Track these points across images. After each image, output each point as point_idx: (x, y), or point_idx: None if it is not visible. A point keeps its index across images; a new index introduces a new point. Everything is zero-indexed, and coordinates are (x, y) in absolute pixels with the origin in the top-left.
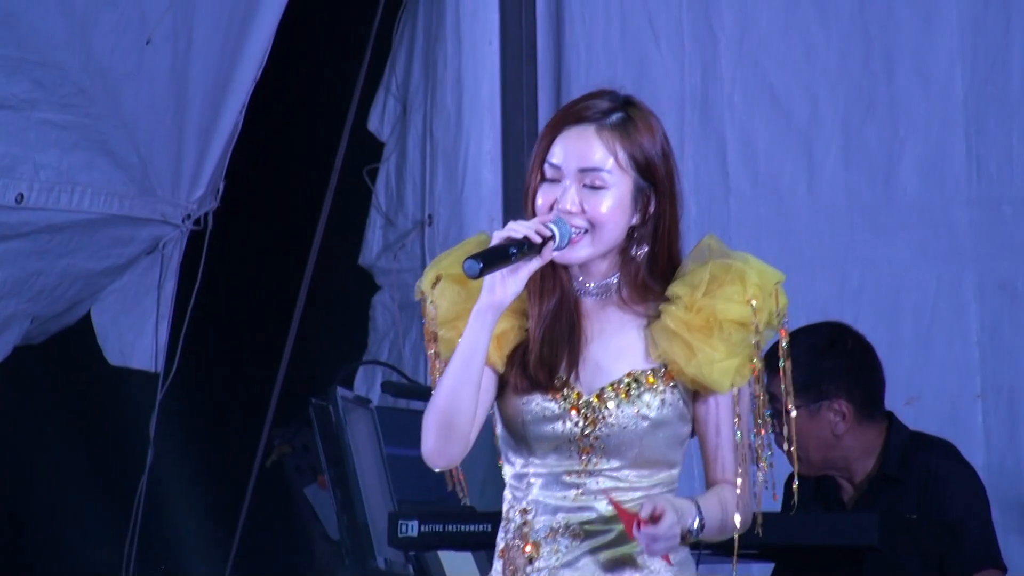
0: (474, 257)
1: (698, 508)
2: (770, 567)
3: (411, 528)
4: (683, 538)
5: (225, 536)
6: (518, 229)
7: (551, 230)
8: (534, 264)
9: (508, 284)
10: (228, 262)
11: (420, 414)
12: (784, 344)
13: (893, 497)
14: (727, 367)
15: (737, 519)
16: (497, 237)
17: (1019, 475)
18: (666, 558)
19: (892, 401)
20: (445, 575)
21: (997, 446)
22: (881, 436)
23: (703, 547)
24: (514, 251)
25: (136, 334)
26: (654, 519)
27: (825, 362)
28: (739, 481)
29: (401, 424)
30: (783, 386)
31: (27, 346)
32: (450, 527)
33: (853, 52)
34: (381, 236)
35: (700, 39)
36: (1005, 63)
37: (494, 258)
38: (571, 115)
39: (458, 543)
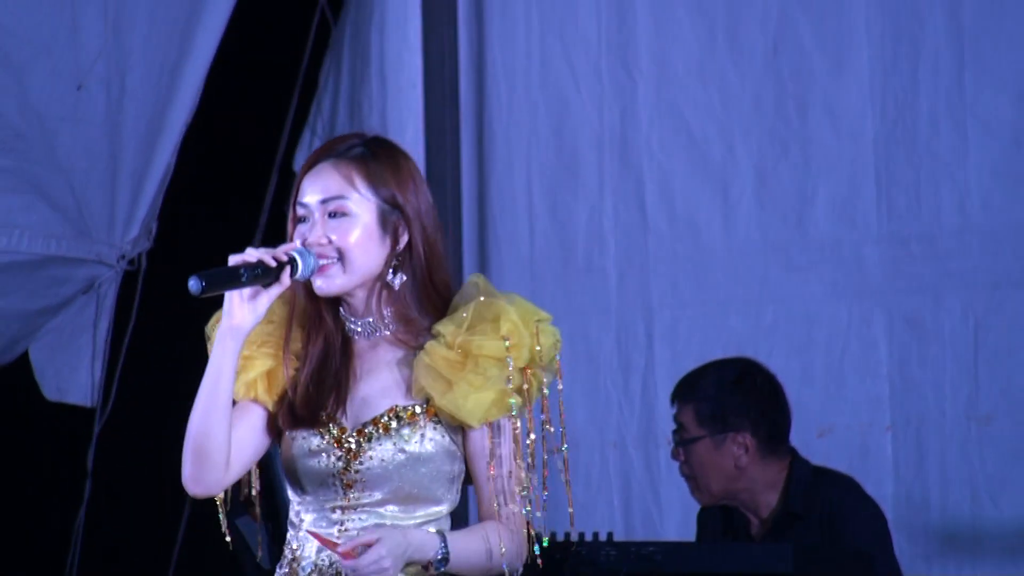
0: (199, 275)
1: (443, 540)
2: None
3: None
4: (426, 568)
5: (161, 566)
6: (253, 253)
7: (290, 256)
8: (274, 291)
9: (246, 309)
10: (161, 300)
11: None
12: (559, 385)
13: (798, 532)
14: (480, 401)
15: (503, 554)
16: (232, 260)
17: (926, 504)
18: None
19: (804, 433)
20: None
21: (905, 476)
22: (784, 471)
23: (623, 575)
24: (244, 274)
25: (72, 370)
26: (354, 553)
27: (734, 396)
28: (503, 516)
29: None
30: (560, 418)
31: None
32: None
33: (767, 95)
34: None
35: (618, 82)
36: (913, 107)
37: (221, 278)
38: (315, 156)
39: None
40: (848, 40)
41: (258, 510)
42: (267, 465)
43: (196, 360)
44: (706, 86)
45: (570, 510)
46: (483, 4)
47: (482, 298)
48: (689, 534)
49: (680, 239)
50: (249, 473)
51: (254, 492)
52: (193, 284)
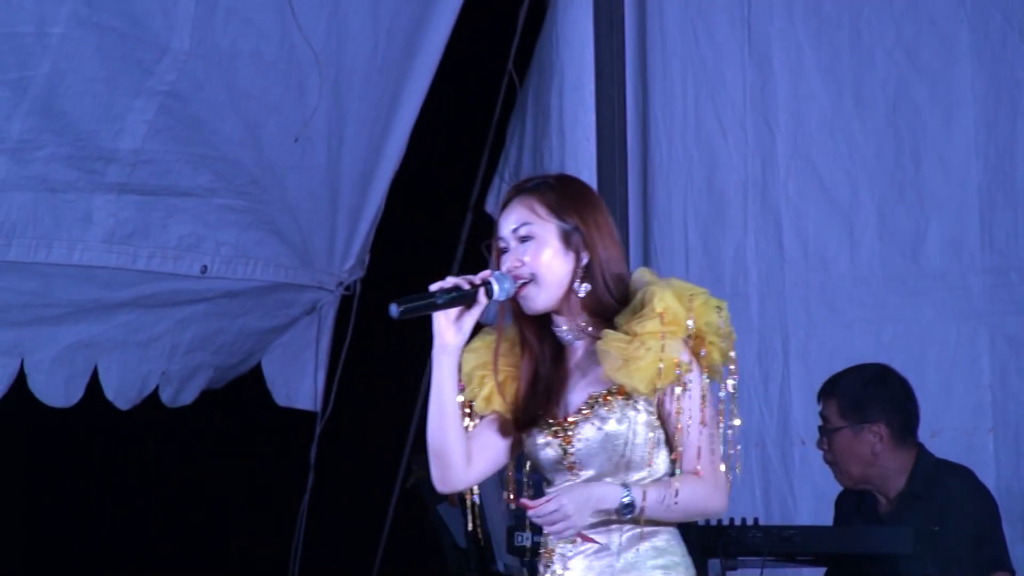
0: (397, 302)
1: (626, 488)
2: (819, 572)
3: (525, 538)
4: (618, 513)
5: (373, 544)
6: (450, 280)
7: (484, 280)
8: (475, 311)
9: (452, 330)
10: (373, 320)
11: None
12: (732, 353)
13: (920, 512)
14: (646, 371)
15: (677, 500)
16: (433, 287)
17: (1023, 495)
18: (584, 537)
19: (919, 435)
20: None
21: (1005, 472)
22: (911, 460)
23: (767, 555)
24: (441, 299)
25: (299, 380)
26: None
27: (870, 392)
28: (694, 469)
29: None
30: (732, 374)
31: (210, 391)
32: None
33: (887, 146)
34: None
35: (760, 135)
36: (1012, 155)
37: (419, 303)
38: (507, 197)
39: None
40: (957, 99)
41: (456, 497)
42: None
43: (400, 370)
44: (835, 138)
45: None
46: (647, 69)
47: (645, 287)
48: (818, 520)
49: (812, 269)
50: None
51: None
52: (392, 309)
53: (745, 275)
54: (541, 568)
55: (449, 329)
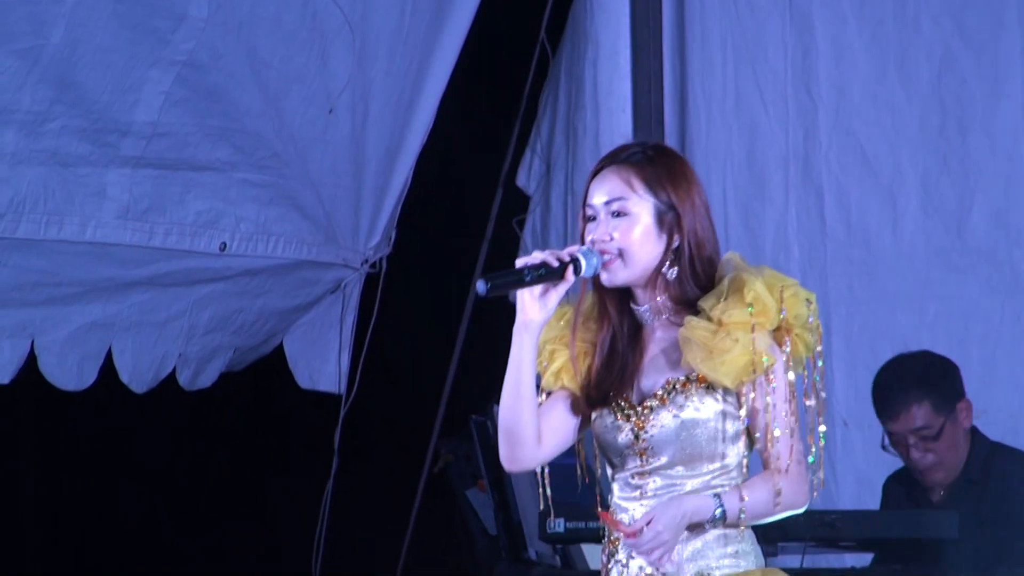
0: (485, 278)
1: (718, 500)
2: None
3: (558, 525)
4: (711, 523)
5: (399, 531)
6: (538, 256)
7: (572, 256)
8: (561, 287)
9: (537, 307)
10: (399, 299)
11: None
12: (819, 348)
13: (975, 497)
14: (732, 364)
15: (779, 500)
16: (519, 263)
17: None
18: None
19: None
20: (588, 564)
21: None
22: (968, 440)
23: (809, 540)
24: (528, 276)
25: (322, 361)
26: (635, 532)
27: (945, 372)
28: (782, 466)
29: None
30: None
31: (229, 373)
32: (592, 524)
33: (931, 118)
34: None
35: (802, 107)
36: None
37: (506, 279)
38: (601, 163)
39: (599, 537)
40: (1004, 69)
41: (485, 483)
42: (493, 445)
43: (428, 350)
44: (878, 110)
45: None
46: (685, 38)
47: (735, 272)
48: (860, 504)
49: (855, 245)
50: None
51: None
52: (480, 286)
53: (787, 251)
54: (605, 558)
55: (534, 305)
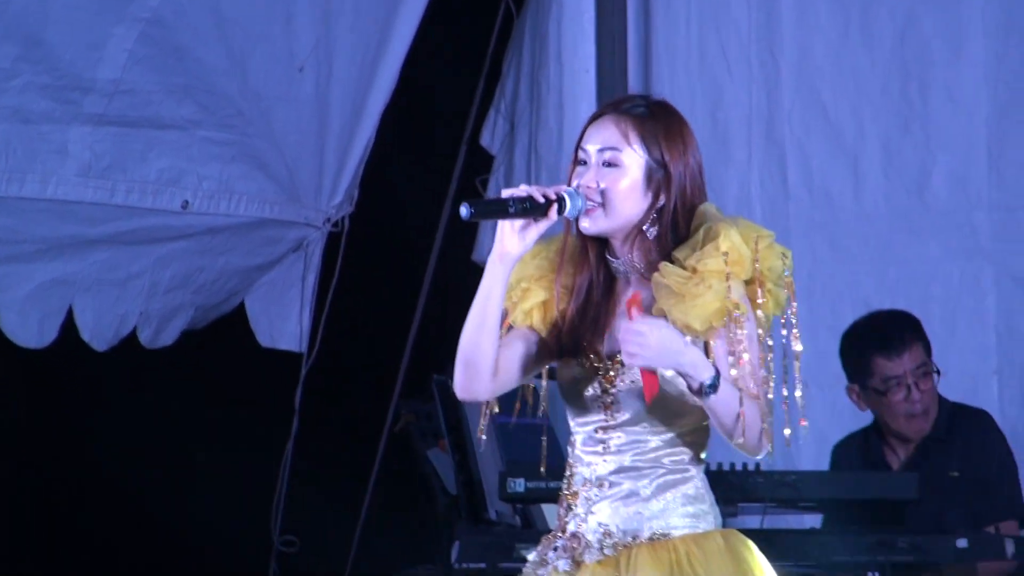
0: (469, 203)
1: (716, 371)
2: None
3: (518, 485)
4: (698, 390)
5: (360, 490)
6: (524, 188)
7: (558, 195)
8: (542, 225)
9: (516, 239)
10: (361, 258)
11: (525, 388)
12: (793, 305)
13: (940, 456)
14: (704, 308)
15: (741, 413)
16: (505, 193)
17: None
18: (648, 381)
19: None
20: (547, 524)
21: (1009, 413)
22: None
23: (769, 501)
24: (513, 207)
25: (283, 320)
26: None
27: (920, 328)
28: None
29: (509, 397)
30: (793, 326)
31: (191, 331)
32: (551, 484)
33: (893, 80)
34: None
35: (765, 68)
36: (1022, 91)
37: (489, 207)
38: (601, 109)
39: (558, 497)
40: (966, 31)
41: (446, 442)
42: (454, 405)
43: (390, 310)
44: (841, 71)
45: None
46: None
47: (709, 223)
48: (821, 465)
49: (817, 206)
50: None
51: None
52: (463, 209)
53: (749, 211)
54: (562, 511)
55: (513, 237)
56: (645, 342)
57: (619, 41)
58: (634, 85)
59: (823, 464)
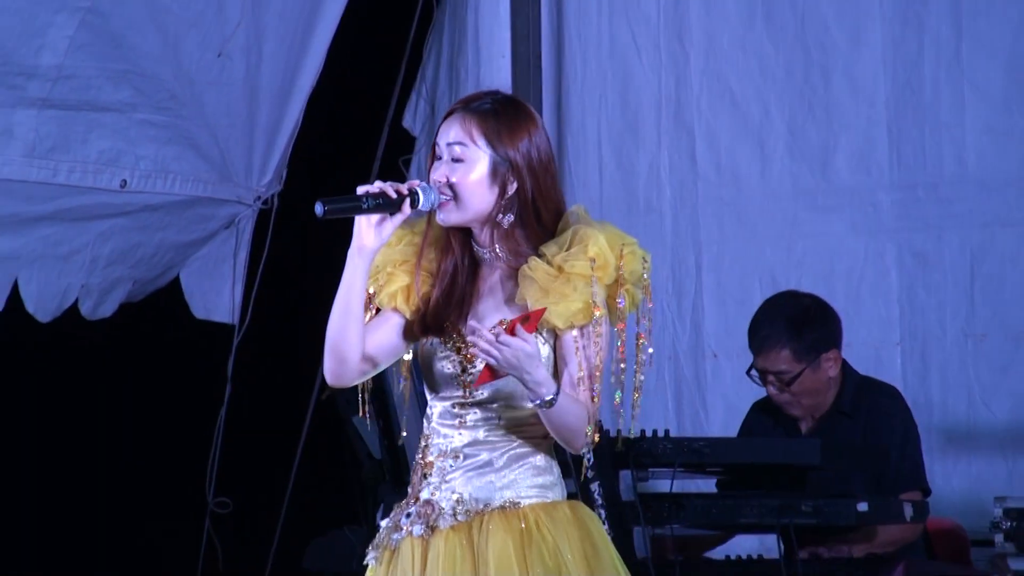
0: (323, 200)
1: (558, 388)
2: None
3: None
4: (535, 401)
5: (289, 455)
6: (378, 185)
7: (411, 190)
8: (398, 218)
9: (372, 233)
10: (290, 234)
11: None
12: (648, 303)
13: (845, 429)
14: (567, 307)
15: (577, 422)
16: (360, 190)
17: (930, 408)
18: (485, 374)
19: None
20: None
21: (912, 384)
22: (834, 386)
23: (677, 465)
24: (367, 203)
25: (216, 293)
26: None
27: (815, 326)
28: (587, 402)
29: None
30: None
31: (129, 304)
32: None
33: (796, 64)
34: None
35: (673, 54)
36: (918, 73)
37: (343, 204)
38: (453, 106)
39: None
40: (864, 18)
41: (371, 409)
42: (382, 373)
43: (317, 284)
44: (747, 57)
45: (635, 411)
46: None
47: (579, 225)
48: (730, 432)
49: (724, 185)
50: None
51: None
52: (318, 208)
53: (659, 191)
54: (416, 479)
55: (369, 232)
56: (507, 353)
57: (533, 28)
58: (548, 70)
59: (732, 431)
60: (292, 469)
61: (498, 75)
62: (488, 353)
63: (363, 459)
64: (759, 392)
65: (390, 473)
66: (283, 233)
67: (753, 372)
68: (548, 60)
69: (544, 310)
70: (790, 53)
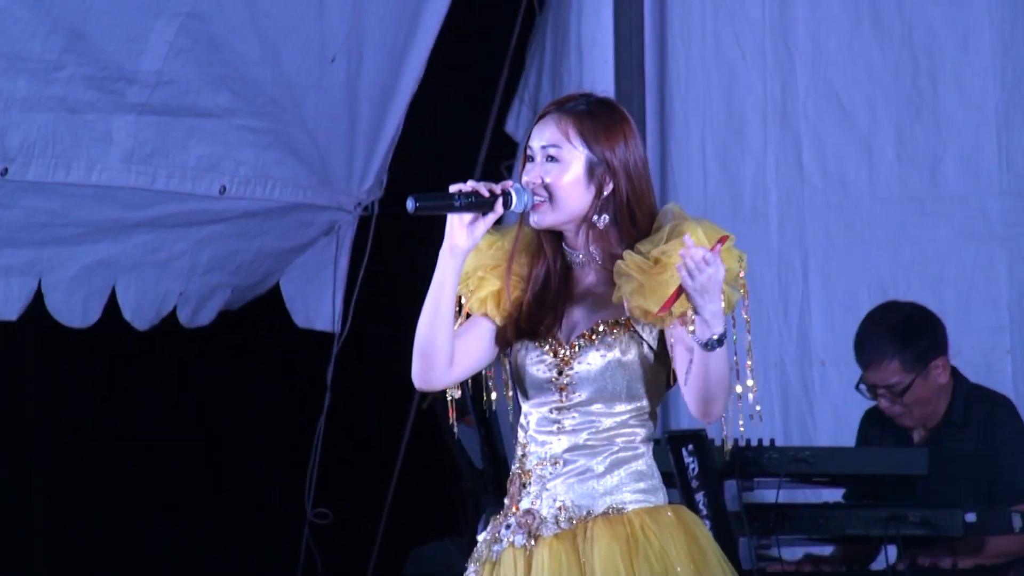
0: (415, 196)
1: (725, 329)
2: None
3: None
4: (705, 343)
5: (390, 464)
6: (471, 184)
7: (504, 190)
8: (490, 218)
9: (464, 233)
10: (391, 241)
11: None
12: (745, 304)
13: (957, 439)
14: (662, 295)
15: (726, 390)
16: (452, 188)
17: None
18: (671, 301)
19: None
20: None
21: (1023, 392)
22: (946, 394)
23: (784, 475)
24: (459, 201)
25: (317, 301)
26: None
27: (921, 334)
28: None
29: None
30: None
31: (228, 311)
32: None
33: (904, 69)
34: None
35: (779, 57)
36: None
37: (435, 201)
38: (546, 108)
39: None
40: (973, 21)
41: (472, 417)
42: (480, 382)
43: (418, 291)
44: (854, 61)
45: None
46: None
47: (676, 220)
48: (838, 441)
49: (831, 190)
50: (464, 383)
51: (457, 396)
52: (409, 203)
53: (765, 196)
54: (514, 490)
55: (462, 231)
56: (708, 272)
57: (636, 32)
58: (651, 74)
59: (841, 440)
60: (392, 478)
61: (601, 79)
62: (692, 272)
63: (464, 468)
64: (868, 401)
65: (491, 483)
66: (383, 240)
67: (862, 386)
68: (651, 64)
69: (726, 237)
70: (897, 57)
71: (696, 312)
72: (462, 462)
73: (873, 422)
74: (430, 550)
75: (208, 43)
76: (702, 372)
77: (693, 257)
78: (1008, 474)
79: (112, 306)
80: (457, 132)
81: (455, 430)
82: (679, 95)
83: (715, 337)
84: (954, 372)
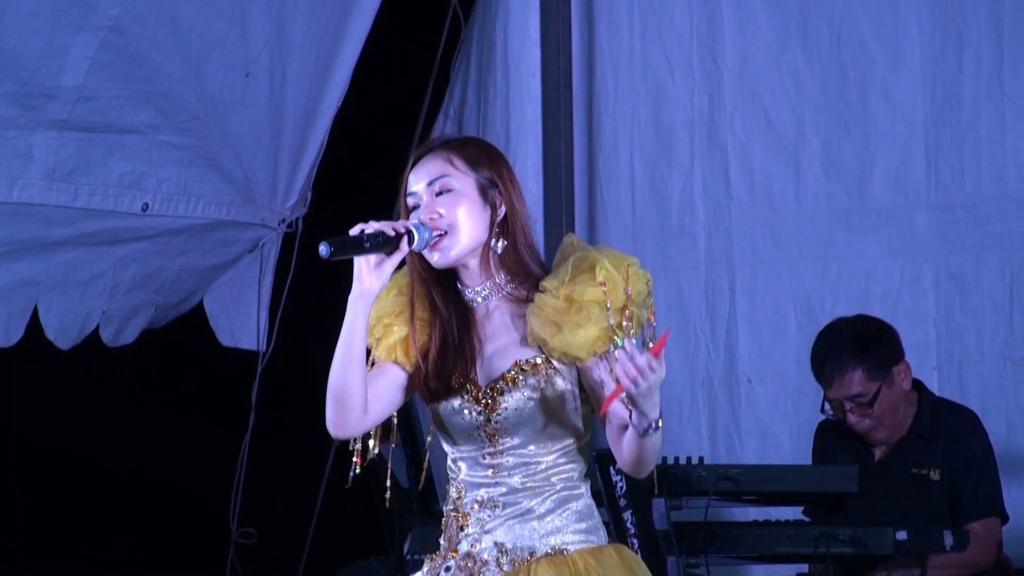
0: (328, 242)
1: (660, 412)
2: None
3: None
4: (644, 431)
5: (314, 483)
6: (373, 224)
7: (407, 228)
8: (396, 258)
9: (373, 276)
10: (315, 258)
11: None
12: (652, 322)
13: (922, 452)
14: (586, 337)
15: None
16: (354, 230)
17: None
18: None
19: None
20: None
21: None
22: (912, 402)
23: (712, 494)
24: (368, 242)
25: (243, 319)
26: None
27: (880, 339)
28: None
29: None
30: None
31: (151, 330)
32: None
33: (832, 83)
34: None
35: (707, 72)
36: (958, 92)
37: (347, 245)
38: (415, 156)
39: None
40: (903, 35)
41: (398, 437)
42: (410, 400)
43: (343, 308)
44: (781, 75)
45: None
46: (593, 5)
47: (578, 253)
48: (764, 458)
49: (759, 206)
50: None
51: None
52: (323, 249)
53: (692, 212)
54: (453, 532)
55: (370, 275)
56: (652, 379)
57: (564, 47)
58: (578, 90)
59: (767, 457)
60: (318, 498)
61: (528, 94)
62: (637, 382)
63: (390, 488)
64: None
65: (418, 502)
66: (308, 257)
67: (827, 406)
68: (579, 79)
69: (667, 333)
70: (826, 71)
71: (634, 407)
72: (388, 481)
73: (830, 432)
74: (356, 570)
75: (130, 59)
76: (635, 448)
77: (639, 366)
78: (973, 489)
79: (34, 325)
80: (382, 147)
81: (376, 451)
82: (607, 110)
83: (656, 423)
84: (918, 385)
